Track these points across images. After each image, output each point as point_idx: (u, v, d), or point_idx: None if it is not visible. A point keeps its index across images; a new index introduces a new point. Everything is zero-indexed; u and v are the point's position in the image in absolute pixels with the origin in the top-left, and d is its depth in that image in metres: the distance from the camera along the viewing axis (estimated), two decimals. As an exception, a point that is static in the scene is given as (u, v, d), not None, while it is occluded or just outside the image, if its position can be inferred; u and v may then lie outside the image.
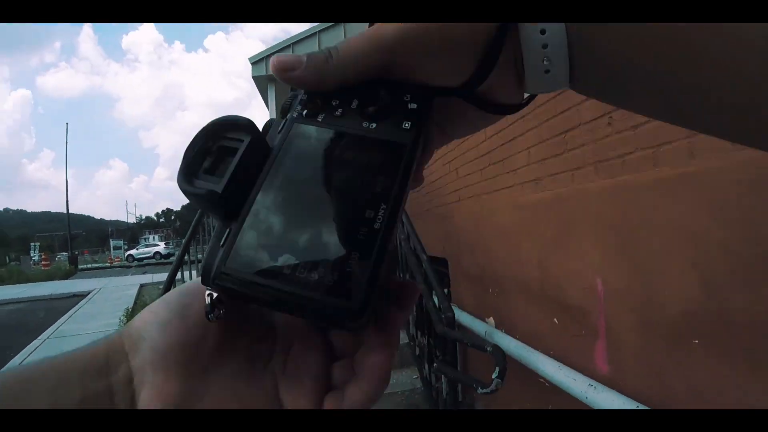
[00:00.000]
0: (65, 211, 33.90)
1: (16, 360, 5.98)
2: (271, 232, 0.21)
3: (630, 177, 1.80)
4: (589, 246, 2.05)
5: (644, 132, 1.71)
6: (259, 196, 0.22)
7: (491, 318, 3.08)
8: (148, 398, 0.22)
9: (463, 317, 3.11)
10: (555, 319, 2.31)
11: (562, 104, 2.19)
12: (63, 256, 39.12)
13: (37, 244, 40.80)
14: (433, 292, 2.42)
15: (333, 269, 0.20)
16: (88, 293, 11.76)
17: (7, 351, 6.99)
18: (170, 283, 3.04)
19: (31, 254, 36.87)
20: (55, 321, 8.39)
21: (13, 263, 35.25)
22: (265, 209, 0.22)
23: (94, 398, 0.21)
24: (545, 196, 2.33)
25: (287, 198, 0.22)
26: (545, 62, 0.23)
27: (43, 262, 27.78)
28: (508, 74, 0.25)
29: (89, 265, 31.46)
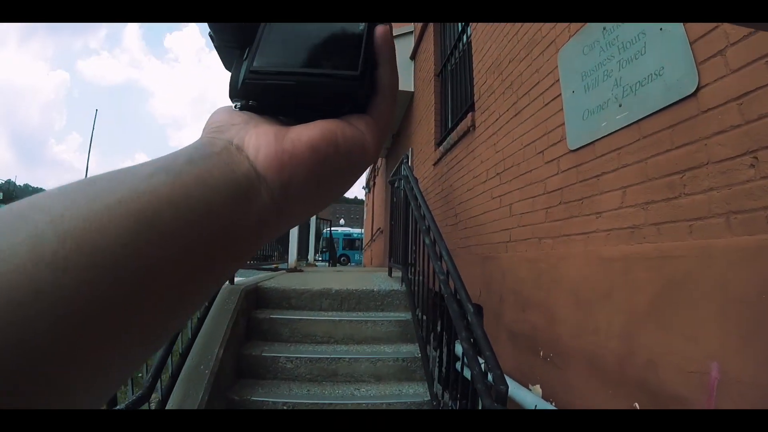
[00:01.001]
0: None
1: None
2: (285, 39, 0.26)
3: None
4: (706, 320, 1.56)
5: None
6: (266, 26, 0.27)
7: (538, 386, 2.53)
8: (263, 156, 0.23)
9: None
10: (636, 404, 1.79)
11: (683, 136, 1.71)
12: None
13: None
14: (481, 354, 1.91)
15: (336, 55, 0.26)
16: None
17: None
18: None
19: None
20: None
21: None
22: (275, 29, 0.26)
23: (200, 158, 0.22)
24: (644, 250, 1.82)
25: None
26: None
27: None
28: None
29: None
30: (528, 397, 2.42)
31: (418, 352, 3.25)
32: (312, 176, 0.24)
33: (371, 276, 5.29)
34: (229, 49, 0.26)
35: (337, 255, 26.84)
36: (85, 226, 0.17)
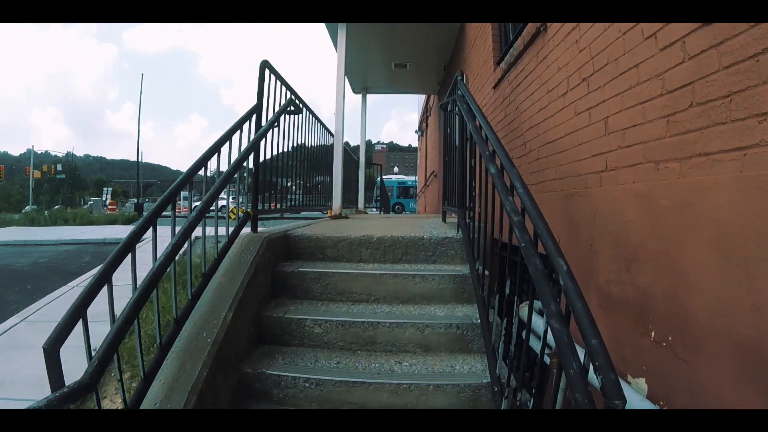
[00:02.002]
0: (141, 159, 34.80)
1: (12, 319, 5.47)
2: None
3: None
4: None
5: None
6: None
7: (642, 380, 1.80)
8: None
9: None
10: None
11: None
12: (130, 202, 40.76)
13: (110, 189, 42.69)
14: (587, 349, 1.19)
15: None
16: (141, 240, 11.51)
17: (34, 295, 6.58)
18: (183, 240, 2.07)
19: (103, 198, 38.49)
20: (94, 267, 8.12)
21: (85, 206, 37.22)
22: None
23: None
24: None
25: None
26: None
27: (109, 207, 28.92)
28: None
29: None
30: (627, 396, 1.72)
31: (477, 317, 2.58)
32: None
33: (422, 222, 4.60)
34: None
35: (392, 204, 26.26)
36: None
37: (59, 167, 44.08)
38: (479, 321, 2.53)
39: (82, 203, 41.36)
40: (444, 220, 4.49)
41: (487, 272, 2.77)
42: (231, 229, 2.76)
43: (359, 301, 2.88)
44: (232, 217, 2.99)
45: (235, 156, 2.75)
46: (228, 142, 2.70)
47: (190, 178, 2.34)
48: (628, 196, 1.96)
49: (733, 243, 1.42)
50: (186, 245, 2.13)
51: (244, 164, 2.98)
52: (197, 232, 2.21)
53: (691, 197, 1.62)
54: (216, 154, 2.58)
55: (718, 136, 1.52)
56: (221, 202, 2.75)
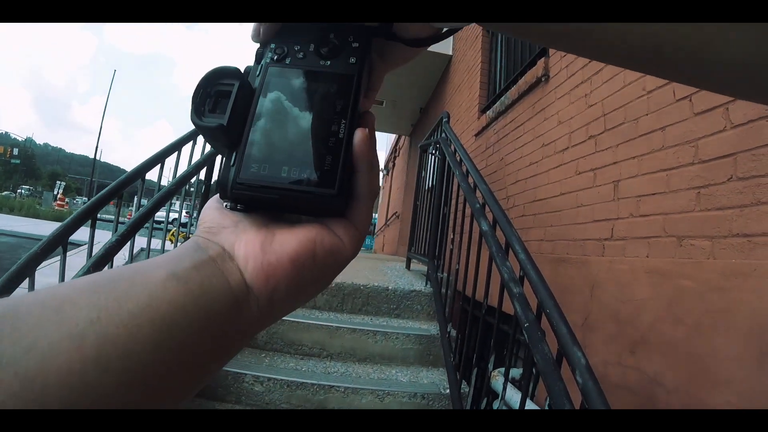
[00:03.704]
0: (99, 158, 33.21)
1: None
2: (268, 149, 0.27)
3: None
4: None
5: None
6: (253, 124, 0.28)
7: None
8: (243, 249, 0.26)
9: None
10: None
11: None
12: (80, 200, 38.71)
13: (63, 183, 40.39)
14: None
15: (316, 170, 0.26)
16: (80, 245, 10.65)
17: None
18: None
19: (54, 192, 36.33)
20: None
21: (35, 197, 34.90)
22: (258, 134, 0.28)
23: (203, 264, 0.24)
24: None
25: (274, 123, 0.28)
26: None
27: (58, 202, 27.24)
28: None
29: (107, 216, 30.79)
30: None
31: (446, 385, 2.24)
32: (292, 285, 0.26)
33: (384, 267, 4.26)
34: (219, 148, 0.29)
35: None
36: (119, 332, 0.20)
37: (16, 151, 41.40)
38: (448, 391, 2.20)
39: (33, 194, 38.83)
40: (408, 267, 4.18)
41: (455, 332, 2.45)
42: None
43: (310, 356, 2.48)
44: (171, 240, 2.57)
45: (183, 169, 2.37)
46: (177, 153, 2.32)
47: (116, 194, 1.93)
48: (638, 270, 1.70)
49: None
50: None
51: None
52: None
53: (723, 281, 1.38)
54: (159, 165, 2.19)
55: (762, 217, 1.29)
56: (172, 215, 2.36)
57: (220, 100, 0.28)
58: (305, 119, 0.28)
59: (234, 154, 0.28)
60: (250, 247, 0.26)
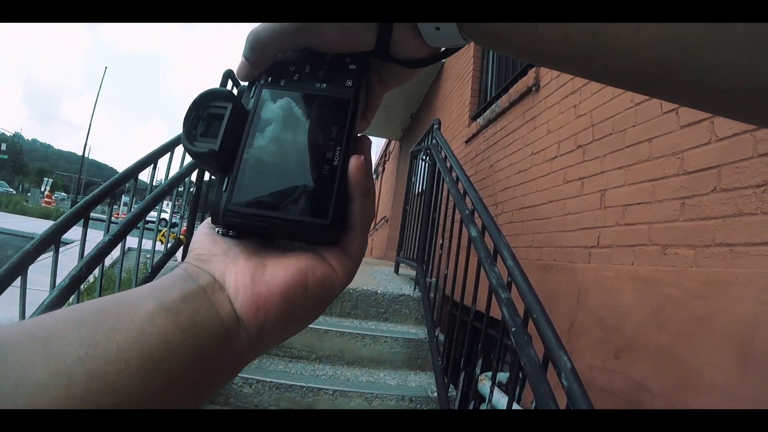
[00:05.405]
0: (88, 155, 32.81)
1: None
2: (260, 176, 0.27)
3: None
4: None
5: None
6: (246, 150, 0.27)
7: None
8: (233, 280, 0.25)
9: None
10: None
11: None
12: (60, 195, 38.22)
13: (50, 180, 39.82)
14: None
15: (310, 198, 0.26)
16: (70, 243, 10.49)
17: None
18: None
19: (42, 188, 35.78)
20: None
21: (23, 194, 34.32)
22: (252, 159, 0.27)
23: (192, 294, 0.24)
24: None
25: (267, 148, 0.27)
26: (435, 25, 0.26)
27: (45, 199, 26.89)
28: (408, 35, 0.28)
29: (96, 215, 30.39)
30: None
31: (434, 389, 2.26)
32: (282, 318, 0.25)
33: (373, 271, 4.27)
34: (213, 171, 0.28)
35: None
36: (107, 368, 0.19)
37: (3, 146, 40.72)
38: (435, 395, 2.21)
39: (21, 190, 38.13)
40: (396, 271, 4.19)
41: (447, 340, 2.48)
42: (157, 258, 2.34)
43: (299, 358, 2.49)
44: (162, 240, 2.56)
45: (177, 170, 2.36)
46: (169, 153, 2.32)
47: (110, 193, 1.93)
48: (624, 278, 1.74)
49: (755, 342, 1.22)
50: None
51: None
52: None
53: (706, 289, 1.41)
54: (152, 166, 2.19)
55: (744, 227, 1.33)
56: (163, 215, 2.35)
57: (213, 122, 0.27)
58: (300, 145, 0.27)
59: (226, 179, 0.27)
60: (240, 277, 0.25)
